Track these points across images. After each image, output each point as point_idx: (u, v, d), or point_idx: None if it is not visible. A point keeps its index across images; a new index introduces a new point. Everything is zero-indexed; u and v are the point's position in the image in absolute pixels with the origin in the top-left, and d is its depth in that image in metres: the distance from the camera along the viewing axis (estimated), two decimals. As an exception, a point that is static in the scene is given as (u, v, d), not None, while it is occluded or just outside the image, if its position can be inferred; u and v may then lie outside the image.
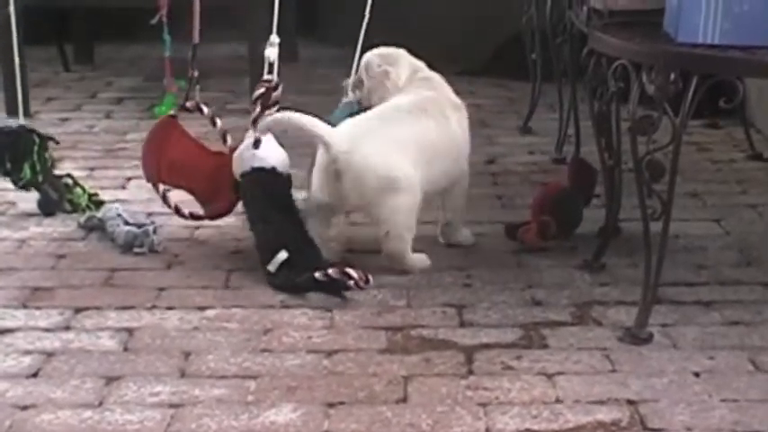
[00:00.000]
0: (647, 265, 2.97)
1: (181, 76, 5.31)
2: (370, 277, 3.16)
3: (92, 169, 4.54)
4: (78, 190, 3.99)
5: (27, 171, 3.91)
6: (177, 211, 3.73)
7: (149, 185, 4.28)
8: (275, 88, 3.52)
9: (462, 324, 3.06)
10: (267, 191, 3.41)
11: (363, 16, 3.76)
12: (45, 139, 3.97)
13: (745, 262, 3.51)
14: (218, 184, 3.60)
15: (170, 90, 5.30)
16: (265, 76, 3.52)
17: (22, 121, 4.09)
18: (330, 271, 3.16)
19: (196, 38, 3.64)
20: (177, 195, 3.77)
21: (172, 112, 3.72)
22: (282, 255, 3.27)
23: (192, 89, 3.68)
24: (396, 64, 3.56)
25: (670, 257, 3.12)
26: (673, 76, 2.80)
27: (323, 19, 7.25)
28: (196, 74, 3.67)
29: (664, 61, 2.82)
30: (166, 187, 3.75)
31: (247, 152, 3.44)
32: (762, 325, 3.03)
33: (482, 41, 6.24)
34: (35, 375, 2.76)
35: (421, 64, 3.62)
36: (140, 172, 4.47)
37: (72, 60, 6.67)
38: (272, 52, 3.52)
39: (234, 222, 3.77)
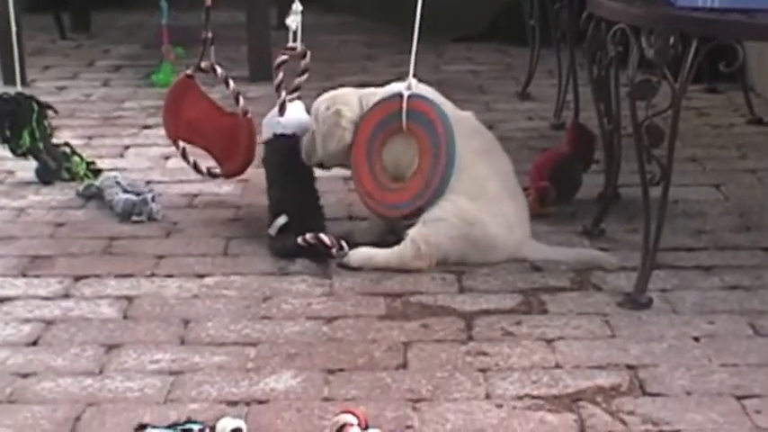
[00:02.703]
0: (647, 231, 2.97)
1: (178, 43, 5.31)
2: (344, 243, 3.17)
3: (90, 137, 4.53)
4: (76, 158, 3.99)
5: (26, 138, 3.90)
6: (195, 167, 3.76)
7: (149, 153, 4.30)
8: (303, 56, 3.48)
9: (462, 290, 3.06)
10: (282, 157, 3.42)
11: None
12: (44, 106, 3.97)
13: (744, 227, 3.51)
14: (232, 144, 3.64)
15: (167, 57, 5.29)
16: (289, 44, 3.49)
17: (19, 89, 4.07)
18: (308, 236, 3.18)
19: (209, 0, 3.64)
20: (197, 153, 3.79)
21: (189, 72, 3.74)
22: (281, 219, 3.29)
23: (207, 50, 3.68)
24: (348, 103, 3.33)
25: (669, 222, 3.12)
26: (672, 40, 2.78)
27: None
28: (210, 35, 3.68)
29: (663, 25, 2.80)
30: (186, 145, 3.78)
31: (272, 119, 3.45)
32: (761, 289, 3.03)
33: (480, 7, 6.21)
34: (35, 343, 2.77)
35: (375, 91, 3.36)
36: (139, 140, 4.50)
37: (69, 28, 6.65)
38: (294, 20, 3.48)
39: (233, 190, 3.76)
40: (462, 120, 3.31)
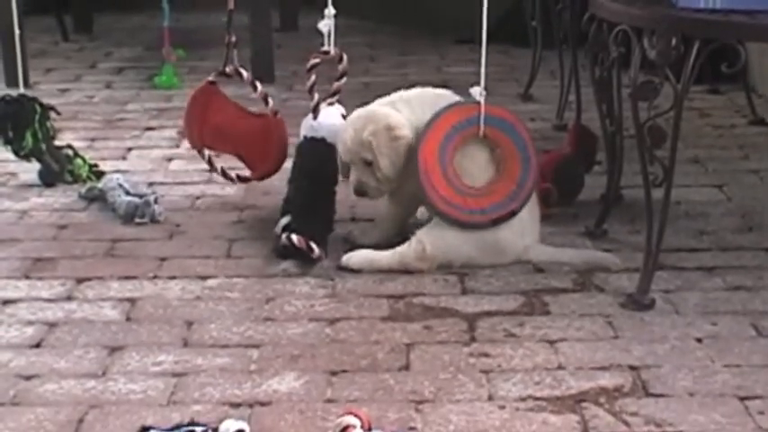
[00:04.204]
0: (649, 232, 2.97)
1: (179, 45, 5.32)
2: (313, 245, 3.16)
3: (92, 140, 4.54)
4: (79, 161, 3.99)
5: (29, 139, 3.91)
6: (224, 174, 3.75)
7: (151, 155, 4.31)
8: (339, 59, 3.48)
9: (464, 291, 3.06)
10: (304, 158, 3.43)
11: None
12: (46, 108, 3.97)
13: (746, 227, 3.51)
14: (264, 146, 3.63)
15: (168, 59, 5.29)
16: (324, 48, 3.48)
17: (22, 91, 4.08)
18: (284, 237, 3.19)
19: (231, 3, 3.63)
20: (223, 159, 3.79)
21: (211, 78, 3.72)
22: (284, 219, 3.29)
23: (231, 54, 3.66)
24: (394, 119, 3.26)
25: (672, 223, 3.12)
26: (674, 41, 2.79)
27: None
28: (233, 39, 3.65)
29: (665, 26, 2.80)
30: (212, 152, 3.77)
31: (308, 121, 3.46)
32: (764, 290, 3.03)
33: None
34: (38, 345, 2.77)
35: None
36: (141, 142, 4.50)
37: (71, 30, 6.66)
38: (326, 24, 3.47)
39: (235, 192, 3.77)
40: None
